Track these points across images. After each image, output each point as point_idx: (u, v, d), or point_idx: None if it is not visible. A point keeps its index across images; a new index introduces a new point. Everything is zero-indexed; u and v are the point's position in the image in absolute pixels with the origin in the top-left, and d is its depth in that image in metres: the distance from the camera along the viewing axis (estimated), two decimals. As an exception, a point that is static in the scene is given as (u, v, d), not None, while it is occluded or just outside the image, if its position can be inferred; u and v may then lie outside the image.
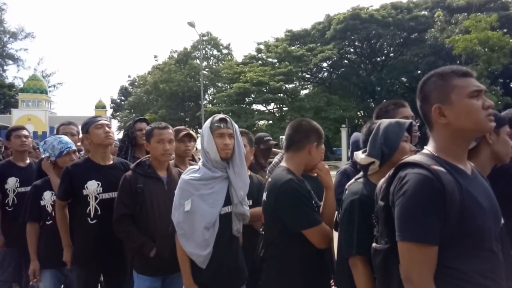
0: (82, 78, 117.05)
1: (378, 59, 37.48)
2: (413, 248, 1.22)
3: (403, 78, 34.73)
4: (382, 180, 1.49)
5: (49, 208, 2.86)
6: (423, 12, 33.36)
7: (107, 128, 2.75)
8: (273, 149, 4.11)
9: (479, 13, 25.84)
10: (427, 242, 1.21)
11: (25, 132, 3.61)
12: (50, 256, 2.82)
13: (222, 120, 2.21)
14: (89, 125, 2.76)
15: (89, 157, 2.81)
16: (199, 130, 28.68)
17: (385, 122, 1.84)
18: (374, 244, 1.46)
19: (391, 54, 36.86)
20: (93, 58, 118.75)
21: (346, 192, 1.84)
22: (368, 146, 1.83)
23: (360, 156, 1.86)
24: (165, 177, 2.59)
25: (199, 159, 2.40)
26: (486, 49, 23.99)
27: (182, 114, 39.76)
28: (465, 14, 26.79)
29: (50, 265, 2.85)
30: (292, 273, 1.94)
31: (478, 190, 1.31)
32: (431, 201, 1.22)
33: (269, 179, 2.11)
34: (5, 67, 45.26)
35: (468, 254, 1.24)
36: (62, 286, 2.97)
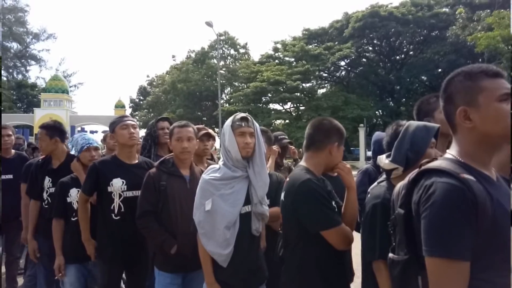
0: (102, 78, 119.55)
1: (398, 57, 36.82)
2: (444, 264, 1.11)
3: (423, 77, 34.02)
4: (399, 185, 1.41)
5: (75, 205, 2.93)
6: (444, 9, 32.52)
7: (131, 129, 2.82)
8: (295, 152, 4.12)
9: (502, 10, 25.06)
10: (459, 258, 1.10)
11: None
12: (75, 251, 2.89)
13: (243, 118, 2.20)
14: (115, 124, 2.85)
15: (116, 155, 2.89)
16: (216, 129, 28.82)
17: (412, 125, 1.78)
18: (391, 255, 1.37)
19: (411, 52, 36.12)
20: (112, 58, 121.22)
21: (368, 196, 1.82)
22: (392, 151, 1.78)
23: (383, 161, 1.82)
24: (187, 175, 2.63)
25: (219, 158, 2.41)
26: (509, 47, 23.28)
27: (199, 113, 39.97)
28: (488, 10, 26.04)
29: (74, 260, 2.93)
30: (311, 274, 1.90)
31: (506, 198, 1.21)
32: (463, 213, 1.10)
33: (287, 179, 2.08)
34: (28, 68, 46.73)
35: (497, 266, 1.16)
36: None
